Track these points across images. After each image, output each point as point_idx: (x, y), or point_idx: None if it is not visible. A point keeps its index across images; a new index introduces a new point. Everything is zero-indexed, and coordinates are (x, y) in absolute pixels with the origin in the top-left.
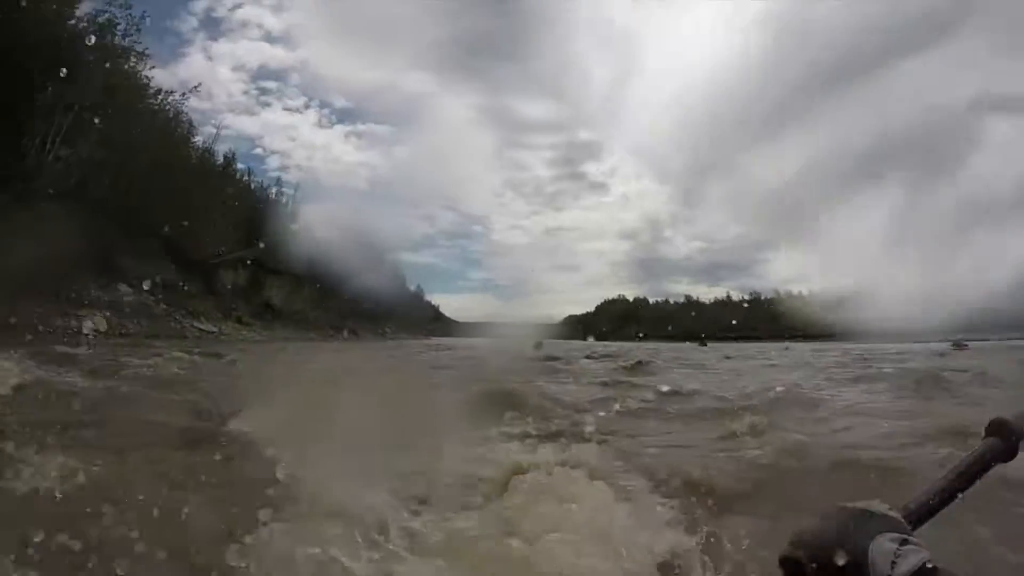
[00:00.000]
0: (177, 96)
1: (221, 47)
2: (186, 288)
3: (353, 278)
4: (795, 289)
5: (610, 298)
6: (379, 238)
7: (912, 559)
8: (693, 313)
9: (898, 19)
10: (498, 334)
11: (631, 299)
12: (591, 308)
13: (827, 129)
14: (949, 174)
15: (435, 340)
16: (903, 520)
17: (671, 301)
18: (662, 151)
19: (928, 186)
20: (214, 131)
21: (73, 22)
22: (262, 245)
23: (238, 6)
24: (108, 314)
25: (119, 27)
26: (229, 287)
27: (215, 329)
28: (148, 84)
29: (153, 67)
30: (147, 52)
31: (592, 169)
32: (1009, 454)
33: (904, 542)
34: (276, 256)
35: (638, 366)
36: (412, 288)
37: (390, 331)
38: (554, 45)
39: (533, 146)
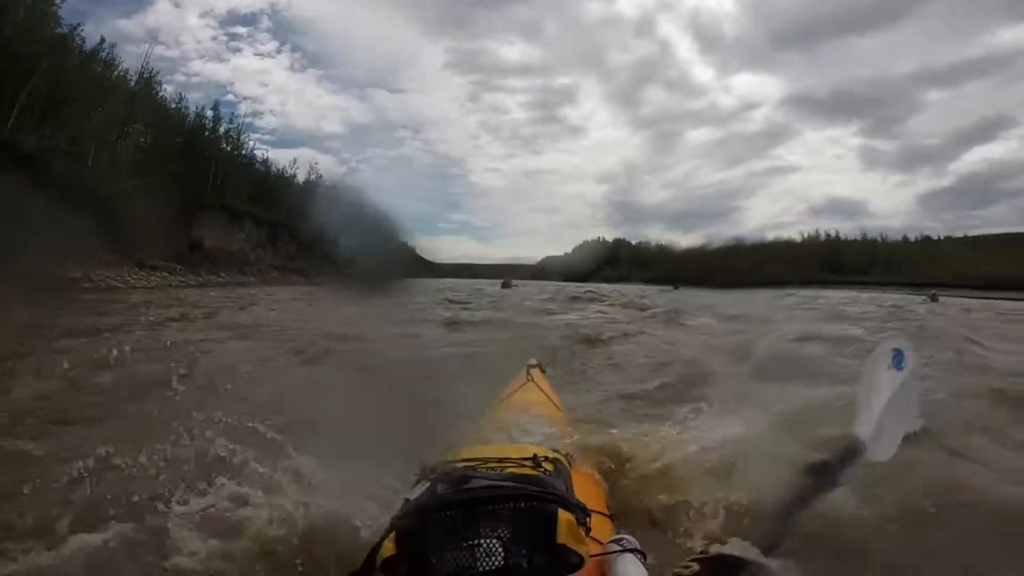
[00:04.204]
0: None
1: None
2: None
3: (311, 216)
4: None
5: (589, 239)
6: (350, 177)
7: None
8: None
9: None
10: (474, 274)
11: (611, 240)
12: (569, 249)
13: (792, 80)
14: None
15: (403, 283)
16: (769, 566)
17: (653, 243)
18: (638, 96)
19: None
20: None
21: None
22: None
23: None
24: None
25: None
26: (145, 225)
27: (78, 275)
28: None
29: None
30: None
31: (569, 113)
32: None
33: None
34: (210, 190)
35: None
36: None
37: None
38: None
39: (509, 89)
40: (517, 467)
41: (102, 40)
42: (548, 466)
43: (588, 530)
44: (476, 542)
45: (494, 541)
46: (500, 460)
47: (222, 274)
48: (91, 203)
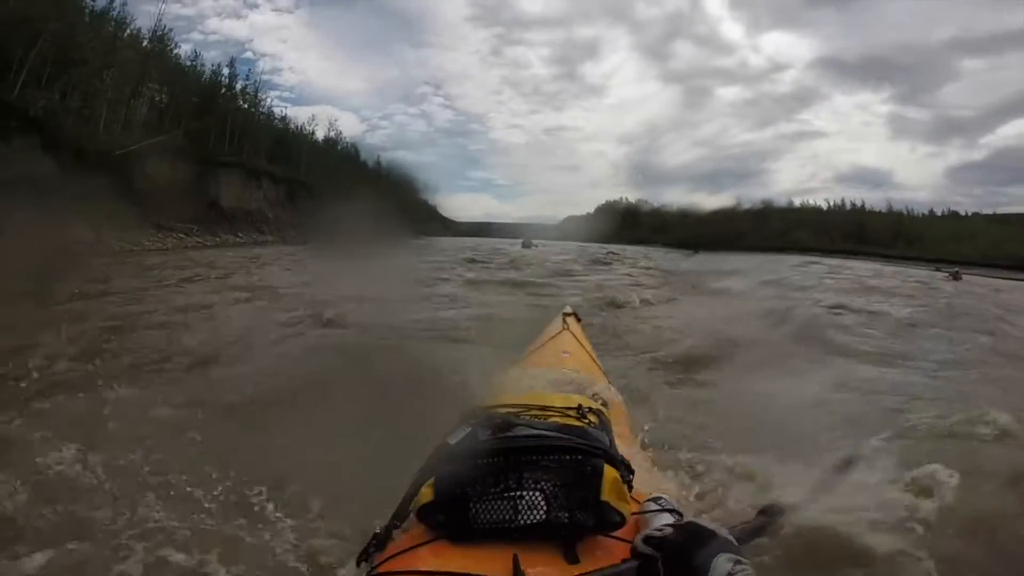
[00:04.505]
0: None
1: None
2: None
3: (331, 174)
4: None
5: (611, 199)
6: (371, 135)
7: None
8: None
9: None
10: (493, 233)
11: (633, 201)
12: (591, 209)
13: (822, 41)
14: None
15: (421, 241)
16: (736, 542)
17: (675, 206)
18: (666, 51)
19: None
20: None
21: None
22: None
23: None
24: None
25: None
26: (160, 186)
27: (91, 238)
28: None
29: None
30: None
31: (591, 70)
32: None
33: (738, 562)
34: (226, 148)
35: None
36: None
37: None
38: None
39: (531, 43)
40: (561, 416)
41: None
42: (592, 418)
43: (631, 488)
44: (518, 494)
45: (536, 494)
46: (543, 408)
47: (240, 234)
48: (103, 164)
